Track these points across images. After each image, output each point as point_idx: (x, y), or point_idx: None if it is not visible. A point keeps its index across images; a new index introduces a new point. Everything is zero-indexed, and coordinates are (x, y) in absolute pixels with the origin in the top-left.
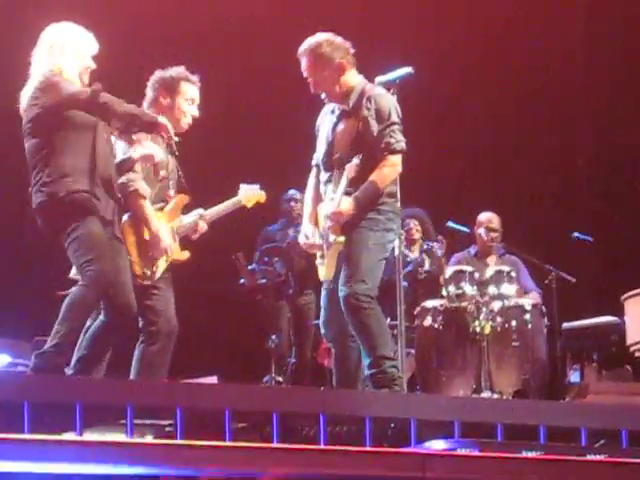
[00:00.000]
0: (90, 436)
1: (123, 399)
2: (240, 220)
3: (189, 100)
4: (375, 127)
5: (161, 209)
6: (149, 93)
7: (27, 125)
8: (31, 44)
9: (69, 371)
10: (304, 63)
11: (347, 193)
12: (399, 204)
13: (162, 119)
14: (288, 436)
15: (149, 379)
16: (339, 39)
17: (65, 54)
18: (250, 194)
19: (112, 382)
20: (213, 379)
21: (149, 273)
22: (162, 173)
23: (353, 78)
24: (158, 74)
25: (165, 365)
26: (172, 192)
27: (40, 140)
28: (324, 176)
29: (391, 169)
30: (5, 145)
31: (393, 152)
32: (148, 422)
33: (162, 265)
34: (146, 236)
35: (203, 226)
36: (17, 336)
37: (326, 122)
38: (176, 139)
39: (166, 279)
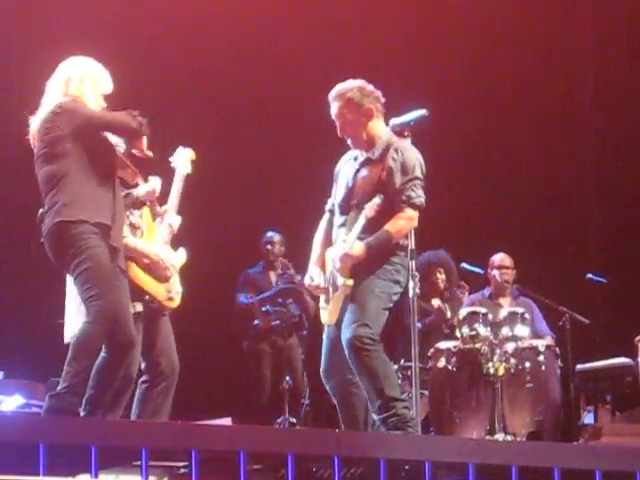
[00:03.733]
0: (105, 478)
1: (137, 441)
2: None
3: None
4: (398, 179)
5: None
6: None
7: (42, 150)
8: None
9: (82, 412)
10: (334, 107)
11: (359, 239)
12: (408, 259)
13: (182, 160)
14: (303, 478)
15: (153, 419)
16: (370, 87)
17: (83, 88)
18: (183, 160)
19: (127, 424)
20: (227, 420)
21: (174, 294)
22: (159, 210)
23: (380, 127)
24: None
25: (168, 404)
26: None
27: (56, 166)
28: (339, 220)
29: (407, 222)
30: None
31: (412, 206)
32: (163, 464)
33: (176, 281)
34: (149, 270)
35: (175, 220)
36: (31, 377)
37: (347, 168)
38: (150, 154)
39: (165, 319)
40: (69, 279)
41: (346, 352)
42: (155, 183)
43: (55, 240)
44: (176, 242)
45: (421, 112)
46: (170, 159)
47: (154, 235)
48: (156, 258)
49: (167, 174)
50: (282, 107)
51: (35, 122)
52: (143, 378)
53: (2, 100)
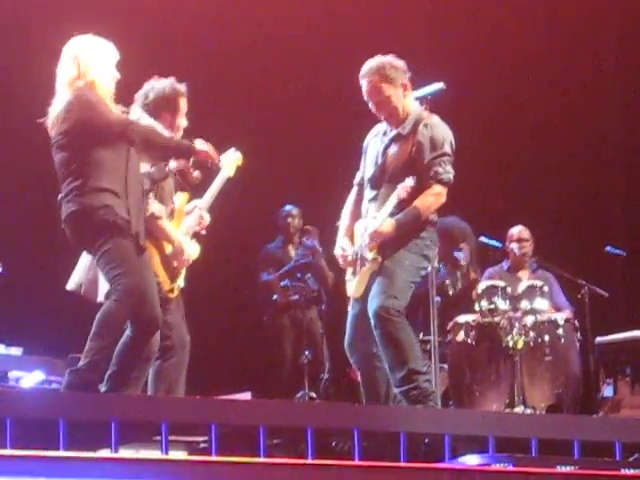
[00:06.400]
0: (125, 453)
1: (157, 416)
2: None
3: (184, 115)
4: (427, 154)
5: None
6: (141, 106)
7: (58, 137)
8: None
9: (102, 388)
10: (366, 85)
11: (390, 215)
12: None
13: (200, 145)
14: (322, 452)
15: (169, 394)
16: (400, 62)
17: (94, 66)
18: (230, 163)
19: (147, 399)
20: (247, 395)
21: (176, 285)
22: (187, 207)
23: (411, 103)
24: (154, 90)
25: (182, 379)
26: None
27: (73, 154)
28: (369, 194)
29: (435, 198)
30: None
31: (440, 182)
32: (182, 439)
33: (183, 275)
34: (167, 251)
35: (205, 217)
36: (51, 353)
37: (376, 143)
38: (217, 162)
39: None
40: None
41: (372, 322)
42: (209, 190)
43: (74, 226)
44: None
45: (439, 85)
46: (220, 157)
47: (180, 223)
48: (179, 245)
49: None
50: (302, 83)
51: (52, 110)
52: (155, 355)
53: (23, 89)
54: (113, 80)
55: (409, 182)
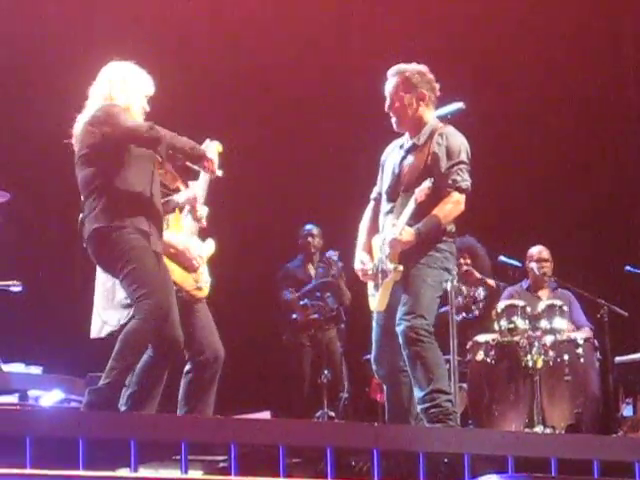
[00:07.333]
0: (145, 472)
1: (177, 435)
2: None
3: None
4: (444, 163)
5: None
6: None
7: (82, 153)
8: (83, 78)
9: (122, 407)
10: (389, 83)
11: (409, 225)
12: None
13: (211, 154)
14: (342, 471)
15: (199, 408)
16: (431, 75)
17: (125, 90)
18: (209, 152)
19: (166, 418)
20: (266, 414)
21: (203, 284)
22: (199, 215)
23: (429, 115)
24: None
25: (213, 393)
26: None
27: (96, 169)
28: (386, 207)
29: (454, 206)
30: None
31: (458, 189)
32: (202, 458)
33: (205, 271)
34: (178, 258)
35: (202, 210)
36: (70, 372)
37: (394, 157)
38: (219, 173)
39: (202, 307)
40: (98, 274)
41: (400, 342)
42: (196, 189)
43: (97, 245)
44: (207, 233)
45: (458, 105)
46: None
47: (180, 226)
48: (182, 248)
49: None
50: (319, 96)
51: (77, 125)
52: (187, 368)
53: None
54: (142, 111)
55: (426, 184)
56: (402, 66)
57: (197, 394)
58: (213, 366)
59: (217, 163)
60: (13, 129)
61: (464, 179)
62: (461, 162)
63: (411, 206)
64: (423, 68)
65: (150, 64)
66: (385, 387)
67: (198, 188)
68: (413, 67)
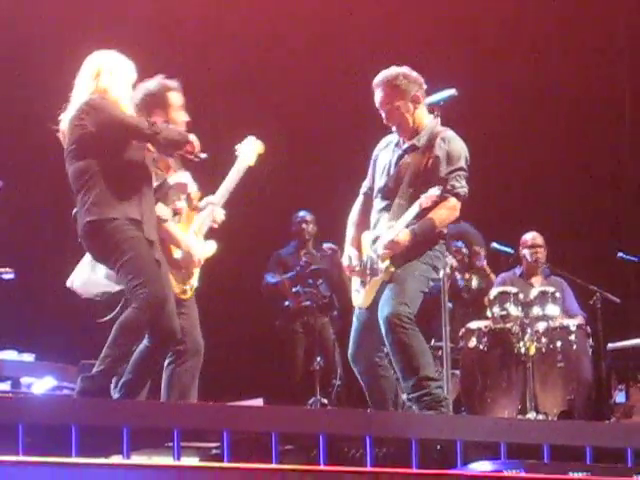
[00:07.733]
0: (137, 459)
1: (170, 422)
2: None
3: (178, 108)
4: (444, 168)
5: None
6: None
7: (71, 147)
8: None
9: (115, 394)
10: (378, 94)
11: (406, 224)
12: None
13: (193, 137)
14: (334, 458)
15: (181, 399)
16: (415, 73)
17: (113, 80)
18: (249, 151)
19: (158, 405)
20: (259, 402)
21: (188, 288)
22: (201, 204)
23: (425, 115)
24: (141, 89)
25: (194, 385)
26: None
27: (86, 163)
28: (380, 204)
29: (450, 212)
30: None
31: (456, 195)
32: (195, 445)
33: (196, 274)
34: (175, 255)
35: (219, 213)
36: (62, 359)
37: (387, 154)
38: (203, 156)
39: (192, 300)
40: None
41: (382, 329)
42: (187, 179)
43: (90, 239)
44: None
45: (450, 92)
46: (236, 147)
47: (190, 223)
48: (186, 248)
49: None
50: (319, 89)
51: (65, 119)
52: (168, 360)
53: (36, 99)
54: (129, 99)
55: (434, 192)
56: (386, 75)
57: (178, 387)
58: (194, 358)
59: (253, 161)
60: (3, 115)
61: (462, 185)
62: (460, 168)
63: (414, 210)
64: (405, 69)
65: (140, 59)
66: (364, 384)
67: (225, 183)
68: (395, 72)
